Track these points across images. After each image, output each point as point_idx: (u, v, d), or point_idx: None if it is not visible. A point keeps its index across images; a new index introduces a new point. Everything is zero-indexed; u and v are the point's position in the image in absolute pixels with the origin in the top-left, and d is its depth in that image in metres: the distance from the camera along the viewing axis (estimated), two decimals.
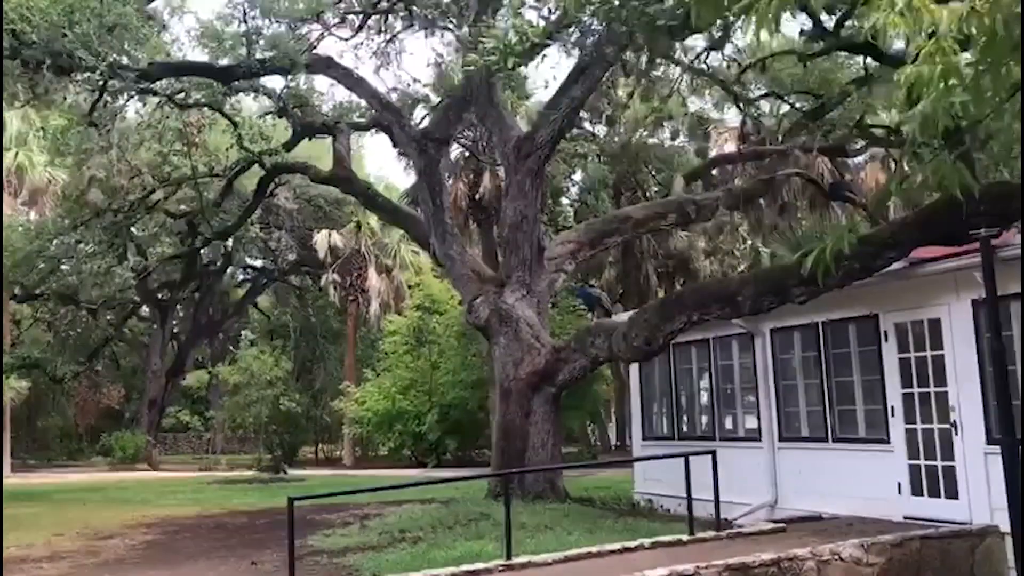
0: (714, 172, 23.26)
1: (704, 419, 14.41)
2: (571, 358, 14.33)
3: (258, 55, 15.83)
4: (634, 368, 15.97)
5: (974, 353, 10.03)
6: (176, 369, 36.91)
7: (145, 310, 37.76)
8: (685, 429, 14.82)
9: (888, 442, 11.07)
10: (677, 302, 11.94)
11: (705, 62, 20.45)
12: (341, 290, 33.66)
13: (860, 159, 27.03)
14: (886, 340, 11.14)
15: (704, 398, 14.39)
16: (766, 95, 20.55)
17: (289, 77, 20.35)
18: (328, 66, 17.02)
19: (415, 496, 16.54)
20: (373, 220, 33.42)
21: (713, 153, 25.84)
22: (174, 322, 39.52)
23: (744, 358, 13.55)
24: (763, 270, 11.06)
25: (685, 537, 10.05)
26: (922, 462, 10.69)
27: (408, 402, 30.56)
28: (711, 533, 10.25)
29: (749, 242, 30.16)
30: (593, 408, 31.25)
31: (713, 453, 10.46)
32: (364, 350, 36.93)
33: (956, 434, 10.23)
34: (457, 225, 19.07)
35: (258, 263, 40.26)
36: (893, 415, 11.02)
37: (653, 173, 22.52)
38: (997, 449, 9.65)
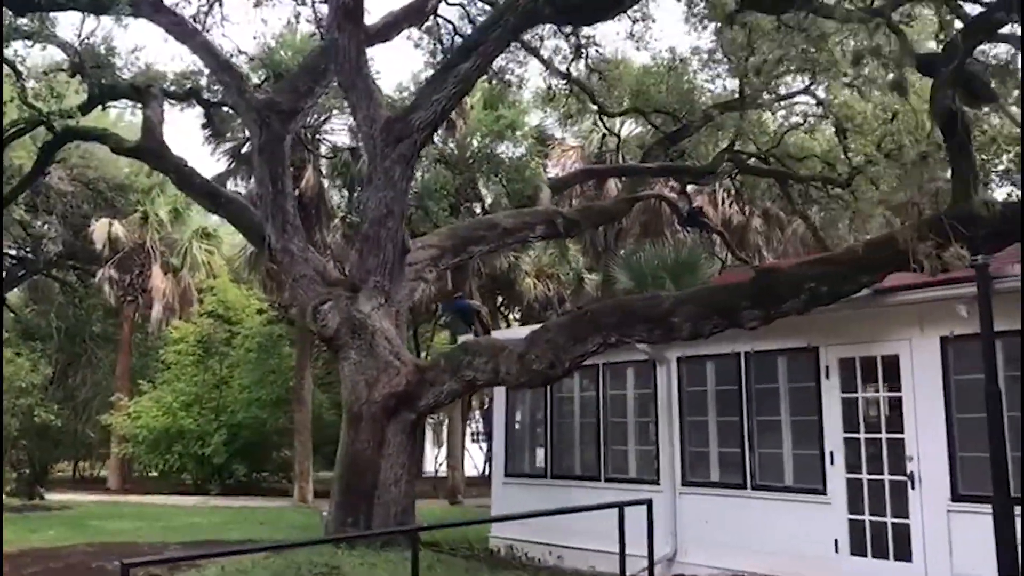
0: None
1: (587, 456, 12.68)
2: (439, 380, 12.18)
3: None
4: (499, 394, 14.05)
5: (940, 397, 8.90)
6: None
7: None
8: (562, 466, 13.03)
9: (824, 493, 9.78)
10: (592, 321, 10.13)
11: (569, 68, 19.09)
12: (118, 289, 29.47)
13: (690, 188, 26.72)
14: (827, 377, 9.88)
15: (588, 432, 12.66)
16: (628, 111, 19.38)
17: (94, 28, 17.21)
18: (156, 10, 14.01)
19: (232, 536, 13.79)
20: (163, 212, 29.67)
21: (552, 172, 24.58)
22: None
23: (642, 388, 11.98)
24: (705, 289, 9.50)
25: None
26: (867, 517, 9.44)
27: (191, 420, 27.01)
28: None
29: (574, 265, 29.16)
30: None
31: (649, 503, 8.71)
32: (140, 359, 32.68)
33: (913, 487, 9.04)
34: None
35: (13, 252, 34.88)
36: (832, 462, 9.74)
37: (504, 183, 20.92)
38: (964, 507, 8.59)
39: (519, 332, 12.98)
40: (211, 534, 14.88)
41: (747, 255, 26.87)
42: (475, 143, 22.91)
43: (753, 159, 19.08)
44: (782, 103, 19.13)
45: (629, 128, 23.77)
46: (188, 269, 30.22)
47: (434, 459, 37.13)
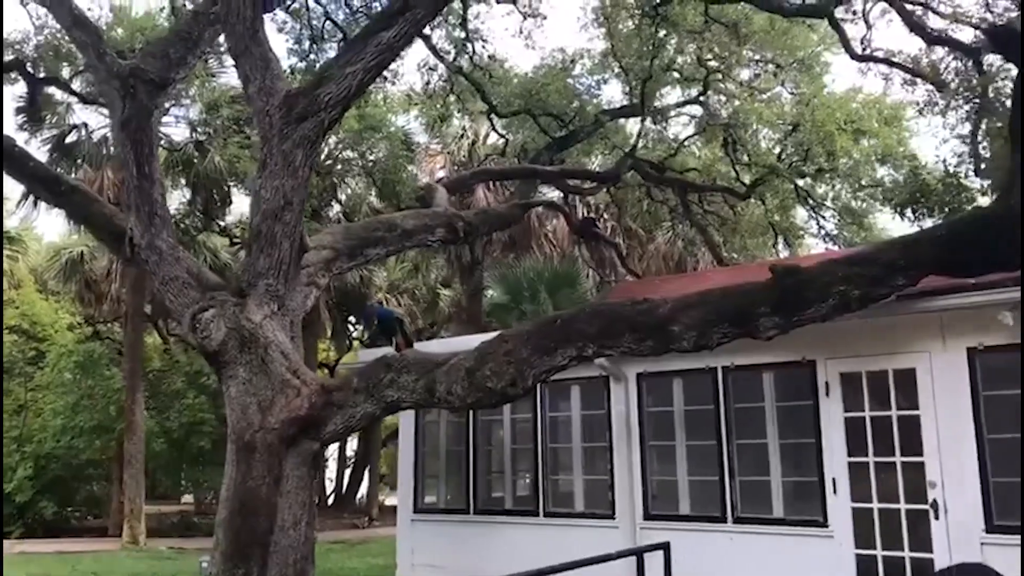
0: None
1: (522, 488, 11.08)
2: (350, 402, 10.20)
3: None
4: (406, 417, 12.21)
5: (969, 415, 7.95)
6: None
7: None
8: (489, 500, 11.34)
9: (825, 525, 8.65)
10: (563, 330, 8.54)
11: (456, 61, 17.61)
12: None
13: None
14: (827, 394, 8.78)
15: (523, 460, 11.07)
16: (519, 112, 17.97)
17: None
18: None
19: None
20: None
21: (421, 179, 22.94)
22: None
23: (591, 409, 10.53)
24: (713, 290, 8.12)
25: None
26: (879, 552, 8.36)
27: None
28: None
29: (428, 280, 27.55)
30: None
31: (666, 546, 7.26)
32: None
33: (936, 518, 8.03)
34: None
35: None
36: (835, 491, 8.63)
37: (378, 185, 19.06)
38: (1001, 539, 7.64)
39: (439, 346, 11.29)
40: None
41: (606, 272, 26.22)
42: (332, 140, 20.95)
43: (650, 167, 18.17)
44: (676, 110, 18.40)
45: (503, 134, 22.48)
46: None
47: None
